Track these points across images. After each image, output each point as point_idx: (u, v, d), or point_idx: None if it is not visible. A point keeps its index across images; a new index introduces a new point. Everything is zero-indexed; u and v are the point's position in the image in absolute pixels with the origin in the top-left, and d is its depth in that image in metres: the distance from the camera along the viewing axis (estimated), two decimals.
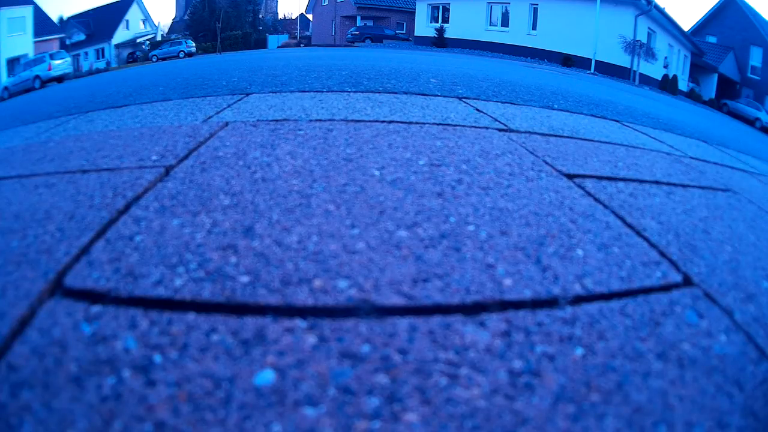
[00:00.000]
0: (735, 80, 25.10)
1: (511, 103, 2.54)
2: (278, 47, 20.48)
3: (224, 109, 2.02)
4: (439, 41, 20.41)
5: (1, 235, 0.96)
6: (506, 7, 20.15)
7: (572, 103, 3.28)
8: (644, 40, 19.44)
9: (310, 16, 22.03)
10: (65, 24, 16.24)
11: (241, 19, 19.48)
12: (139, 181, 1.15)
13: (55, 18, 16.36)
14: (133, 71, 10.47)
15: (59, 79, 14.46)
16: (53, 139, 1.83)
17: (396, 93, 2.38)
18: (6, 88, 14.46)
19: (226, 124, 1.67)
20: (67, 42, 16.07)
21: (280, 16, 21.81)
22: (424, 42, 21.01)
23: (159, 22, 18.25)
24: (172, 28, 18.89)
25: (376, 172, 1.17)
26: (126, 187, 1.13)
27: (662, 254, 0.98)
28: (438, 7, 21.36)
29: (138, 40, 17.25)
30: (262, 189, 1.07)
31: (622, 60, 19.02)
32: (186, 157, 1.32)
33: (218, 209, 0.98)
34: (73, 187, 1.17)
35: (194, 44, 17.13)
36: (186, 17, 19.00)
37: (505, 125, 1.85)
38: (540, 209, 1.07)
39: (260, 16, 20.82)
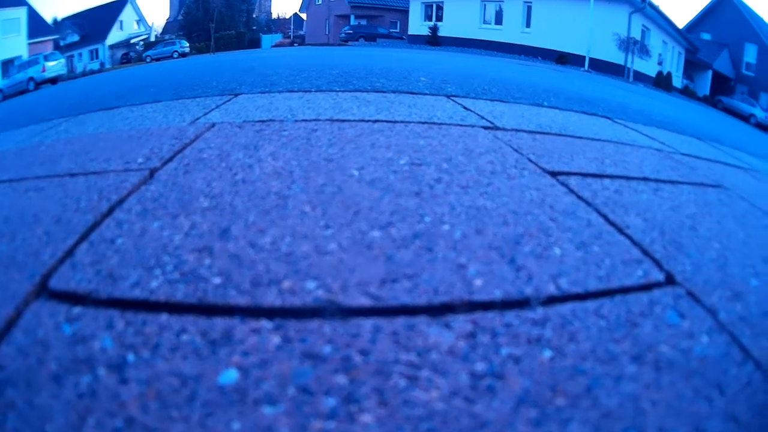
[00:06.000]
0: (729, 77, 25.22)
1: (501, 101, 2.54)
2: (272, 47, 20.41)
3: (212, 110, 2.02)
4: (433, 40, 20.41)
5: None
6: (500, 5, 20.16)
7: (563, 100, 3.29)
8: (638, 38, 19.50)
9: (303, 16, 22.01)
10: (59, 25, 16.18)
11: (234, 19, 19.43)
12: (124, 185, 1.16)
13: (49, 19, 16.32)
14: (126, 72, 10.43)
15: (53, 80, 14.44)
16: (44, 143, 1.84)
17: (384, 92, 2.38)
18: (0, 90, 14.38)
19: (213, 125, 1.67)
20: (61, 43, 16.02)
21: (274, 16, 21.80)
22: (418, 41, 20.99)
23: (153, 23, 18.24)
24: (166, 28, 18.85)
25: (356, 173, 1.17)
26: (111, 190, 1.14)
27: (645, 252, 0.97)
28: (432, 6, 21.35)
29: (132, 41, 17.19)
30: (241, 191, 1.07)
31: (617, 57, 19.07)
32: (170, 159, 1.32)
33: (197, 212, 0.99)
34: (62, 190, 1.19)
35: (188, 44, 17.07)
36: (180, 17, 18.95)
37: (492, 123, 1.85)
38: (519, 208, 1.06)
39: (254, 15, 20.79)
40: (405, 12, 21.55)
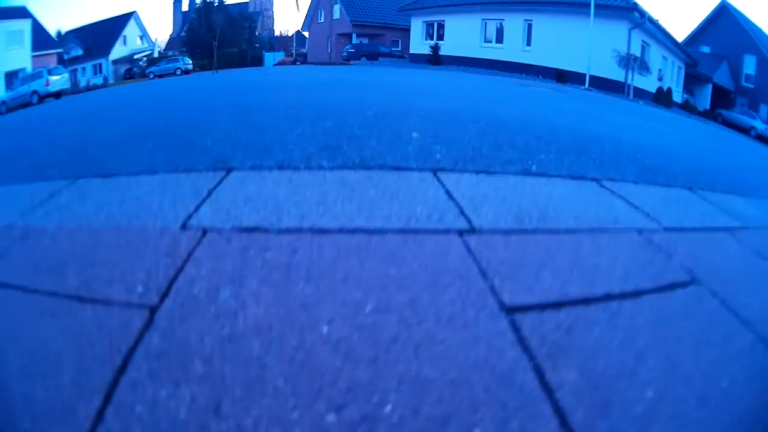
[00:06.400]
0: (729, 89, 25.36)
1: (487, 172, 2.59)
2: (274, 65, 20.58)
3: (204, 200, 2.08)
4: (434, 59, 20.56)
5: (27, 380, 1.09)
6: (501, 23, 20.33)
7: (554, 154, 3.34)
8: (638, 54, 19.61)
9: (306, 33, 22.22)
10: (63, 38, 16.37)
11: (237, 36, 19.64)
12: (130, 329, 1.26)
13: (53, 32, 16.48)
14: (126, 95, 10.56)
15: (57, 95, 14.56)
16: (48, 230, 1.92)
17: (371, 168, 2.45)
18: (4, 102, 14.48)
19: (204, 233, 1.76)
20: (65, 57, 16.19)
21: (276, 33, 22.00)
22: (419, 59, 21.11)
23: (156, 39, 18.41)
24: (169, 44, 19.06)
25: (325, 329, 1.24)
26: (120, 335, 1.24)
27: (563, 424, 1.01)
28: (433, 24, 21.50)
29: (135, 56, 17.38)
30: (228, 353, 1.17)
31: (617, 74, 19.18)
32: (167, 292, 1.41)
33: (195, 380, 1.08)
34: (76, 325, 1.30)
35: (191, 61, 17.25)
36: (183, 34, 19.17)
37: (469, 222, 1.91)
38: (460, 374, 1.12)
39: (256, 33, 20.99)
40: (406, 30, 21.69)
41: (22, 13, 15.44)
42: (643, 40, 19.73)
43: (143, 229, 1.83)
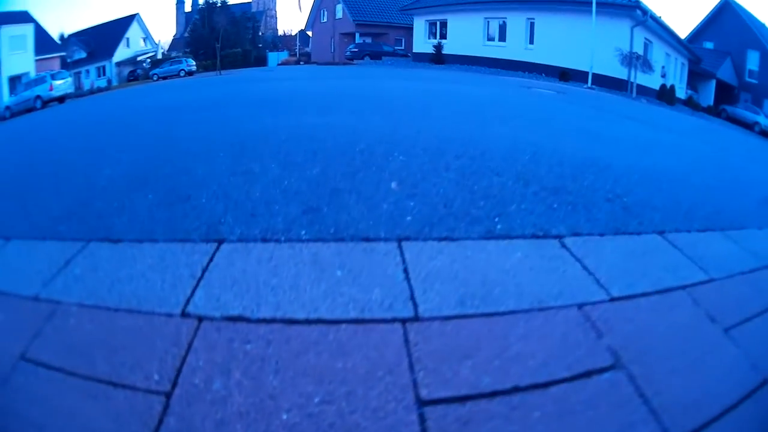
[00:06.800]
0: (733, 85, 25.30)
1: (449, 240, 2.83)
2: (278, 64, 20.81)
3: (199, 281, 2.43)
4: (437, 58, 20.68)
5: None
6: (503, 21, 20.36)
7: (527, 202, 3.44)
8: (641, 51, 19.64)
9: (309, 33, 22.30)
10: (66, 41, 16.52)
11: (240, 36, 19.77)
12: (154, 412, 1.67)
13: (56, 35, 16.63)
14: (127, 105, 10.84)
15: (61, 99, 14.74)
16: (71, 309, 2.28)
17: (343, 240, 2.76)
18: (8, 107, 14.49)
19: (200, 320, 2.14)
20: (68, 60, 16.38)
21: (280, 33, 22.05)
22: (422, 58, 21.21)
23: (159, 40, 18.55)
24: (173, 45, 19.23)
25: (284, 416, 1.63)
26: (147, 417, 1.66)
27: None
28: (435, 23, 21.53)
29: (139, 58, 17.57)
30: None
31: (620, 72, 19.24)
32: (176, 381, 1.80)
33: None
34: (114, 407, 1.70)
35: (194, 63, 17.46)
36: (186, 34, 19.33)
37: (416, 308, 2.20)
38: None
39: (260, 33, 21.08)
40: (409, 29, 21.70)
41: (24, 17, 15.59)
42: (645, 38, 19.71)
43: (152, 315, 2.21)
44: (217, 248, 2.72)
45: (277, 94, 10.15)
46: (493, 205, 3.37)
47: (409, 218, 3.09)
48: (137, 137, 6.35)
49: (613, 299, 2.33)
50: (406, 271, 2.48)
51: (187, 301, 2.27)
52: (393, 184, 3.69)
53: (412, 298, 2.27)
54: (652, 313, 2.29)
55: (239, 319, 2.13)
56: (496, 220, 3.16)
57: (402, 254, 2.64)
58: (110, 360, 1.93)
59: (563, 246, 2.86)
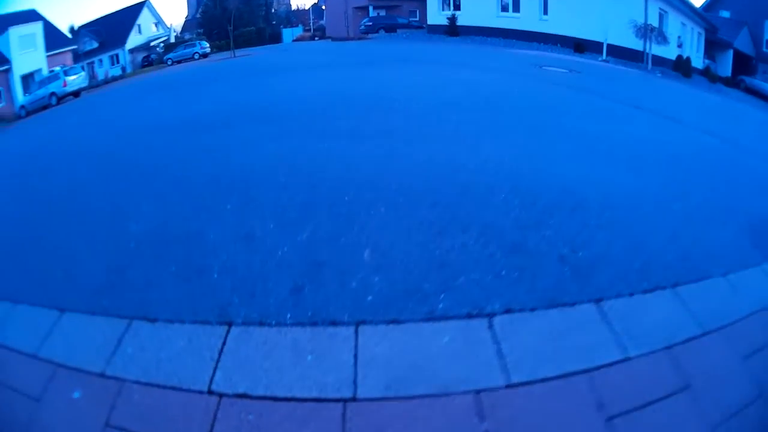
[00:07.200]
0: (750, 55, 24.55)
1: (396, 323, 3.13)
2: (293, 41, 20.74)
3: (217, 363, 3.01)
4: (451, 30, 20.49)
5: None
6: None
7: (479, 269, 3.52)
8: (656, 22, 19.33)
9: (323, 6, 21.94)
10: (76, 34, 16.40)
11: (254, 14, 19.56)
12: None
13: (66, 28, 16.51)
14: (140, 106, 11.14)
15: (76, 93, 14.99)
16: (133, 388, 2.95)
17: (316, 325, 3.21)
18: (23, 106, 14.69)
19: (220, 398, 2.84)
20: (80, 52, 16.40)
21: (294, 7, 21.68)
22: (437, 30, 20.95)
23: (171, 24, 18.61)
24: (185, 27, 19.28)
25: None
26: None
27: None
28: None
29: (152, 44, 17.74)
30: None
31: (635, 43, 19.04)
32: None
33: None
34: None
35: (208, 44, 17.57)
36: (198, 15, 19.36)
37: (355, 391, 2.79)
38: None
39: (273, 9, 20.86)
40: (423, 0, 21.31)
41: (32, 16, 15.52)
42: (660, 8, 19.29)
43: (189, 391, 2.87)
44: (228, 331, 3.24)
45: (285, 98, 10.22)
46: (445, 278, 3.47)
47: (369, 298, 3.37)
48: (146, 183, 6.27)
49: (509, 386, 2.52)
50: (356, 356, 2.93)
51: (210, 380, 2.91)
52: (366, 253, 3.89)
53: (355, 381, 2.77)
54: (540, 400, 2.45)
55: (244, 396, 2.80)
56: (441, 297, 3.29)
57: (356, 338, 3.04)
58: (169, 427, 2.68)
59: (490, 326, 2.98)
